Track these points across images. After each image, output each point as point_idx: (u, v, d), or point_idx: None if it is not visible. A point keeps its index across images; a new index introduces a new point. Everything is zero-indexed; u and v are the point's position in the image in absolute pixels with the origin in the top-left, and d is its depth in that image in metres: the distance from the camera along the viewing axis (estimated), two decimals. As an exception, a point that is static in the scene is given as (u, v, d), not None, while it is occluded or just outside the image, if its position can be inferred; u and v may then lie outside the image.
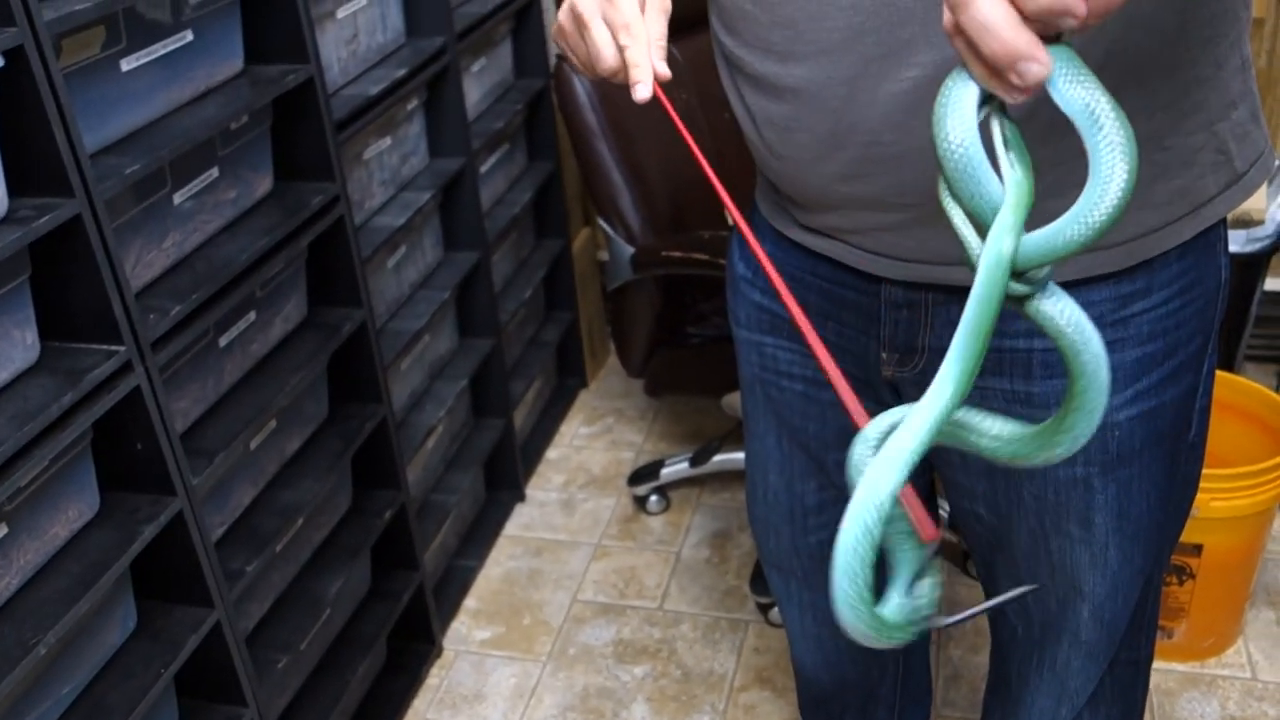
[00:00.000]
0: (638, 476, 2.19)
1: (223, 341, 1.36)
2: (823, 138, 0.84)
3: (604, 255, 2.59)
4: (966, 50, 0.53)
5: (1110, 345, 0.85)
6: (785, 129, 0.86)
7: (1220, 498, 1.62)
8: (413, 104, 1.81)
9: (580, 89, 1.80)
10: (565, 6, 0.86)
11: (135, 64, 1.19)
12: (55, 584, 1.12)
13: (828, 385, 0.97)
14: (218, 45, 1.32)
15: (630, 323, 1.88)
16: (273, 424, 1.47)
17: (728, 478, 2.24)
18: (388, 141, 1.74)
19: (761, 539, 1.17)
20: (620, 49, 0.81)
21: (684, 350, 1.89)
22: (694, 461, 2.12)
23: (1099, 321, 0.85)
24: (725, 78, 0.93)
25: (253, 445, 1.43)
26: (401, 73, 1.68)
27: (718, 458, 2.13)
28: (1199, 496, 1.63)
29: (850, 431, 1.03)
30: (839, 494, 1.06)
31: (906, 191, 0.83)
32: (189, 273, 1.27)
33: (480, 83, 2.06)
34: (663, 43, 0.82)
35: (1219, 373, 1.81)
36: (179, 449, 1.22)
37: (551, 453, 2.41)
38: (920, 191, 0.82)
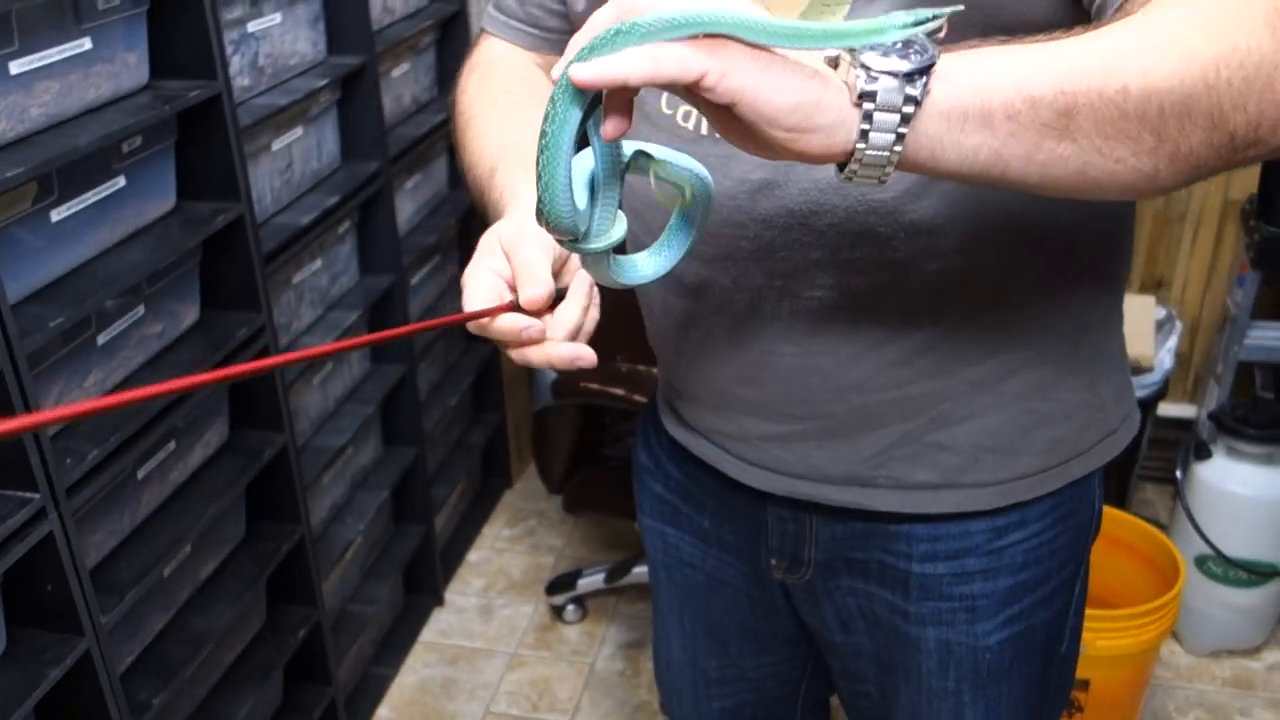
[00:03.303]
0: (555, 586, 2.22)
1: (141, 474, 1.38)
2: (721, 340, 0.87)
3: (533, 357, 2.64)
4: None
5: (985, 573, 0.91)
6: (687, 324, 0.89)
7: (1106, 637, 1.69)
8: (344, 226, 1.85)
9: (509, 218, 1.86)
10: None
11: (66, 213, 1.22)
12: (-44, 729, 1.13)
13: (729, 580, 1.02)
14: (150, 187, 1.36)
15: (551, 443, 1.93)
16: (188, 549, 1.48)
17: (645, 589, 2.28)
18: (318, 264, 1.79)
19: (665, 697, 1.21)
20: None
21: (601, 470, 1.94)
22: (609, 577, 2.16)
23: (975, 551, 0.90)
24: None
25: (166, 573, 1.44)
26: (333, 200, 1.72)
27: (636, 570, 2.17)
28: (1086, 635, 1.71)
29: (751, 626, 1.06)
30: (740, 672, 1.10)
31: (797, 403, 0.87)
32: (110, 412, 1.30)
33: (414, 198, 2.11)
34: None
35: (1109, 510, 1.89)
36: (89, 590, 1.23)
37: (473, 555, 2.43)
38: (812, 405, 0.86)
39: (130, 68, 1.31)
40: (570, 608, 2.21)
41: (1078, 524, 0.93)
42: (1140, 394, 1.92)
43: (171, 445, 1.43)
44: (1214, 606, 2.03)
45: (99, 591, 1.27)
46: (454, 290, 2.30)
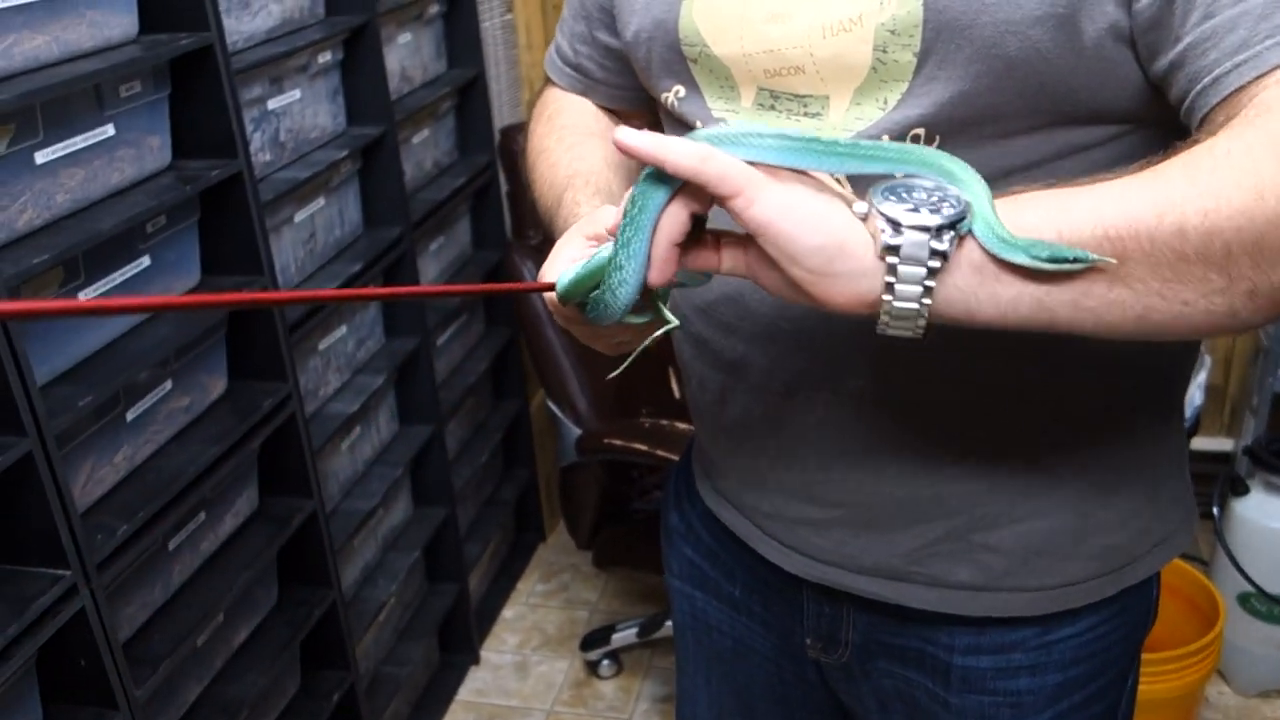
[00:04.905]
0: (589, 642, 2.22)
1: (172, 545, 1.40)
2: (758, 419, 0.84)
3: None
4: None
5: (1031, 669, 0.86)
6: (724, 400, 0.86)
7: (1147, 680, 1.64)
8: (369, 291, 1.88)
9: (528, 278, 1.88)
10: None
11: (93, 294, 1.26)
12: (-7, 807, 1.14)
13: (758, 648, 1.01)
14: (175, 265, 1.39)
15: (578, 500, 1.93)
16: (220, 618, 1.50)
17: (680, 640, 2.27)
18: (343, 330, 1.81)
19: None
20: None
21: (630, 526, 1.94)
22: (642, 632, 2.16)
23: (1022, 646, 0.85)
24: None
25: (199, 642, 1.46)
26: (357, 267, 1.75)
27: (669, 623, 2.16)
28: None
29: (780, 693, 1.05)
30: None
31: (833, 490, 0.84)
32: (139, 485, 1.32)
33: (437, 261, 2.14)
34: None
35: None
36: (122, 664, 1.25)
37: (508, 611, 2.43)
38: (848, 494, 0.83)
39: (153, 151, 1.35)
40: (605, 663, 2.21)
41: (1133, 618, 0.88)
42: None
43: (201, 516, 1.45)
44: (1260, 645, 1.99)
45: (132, 664, 1.29)
46: (479, 350, 2.32)
